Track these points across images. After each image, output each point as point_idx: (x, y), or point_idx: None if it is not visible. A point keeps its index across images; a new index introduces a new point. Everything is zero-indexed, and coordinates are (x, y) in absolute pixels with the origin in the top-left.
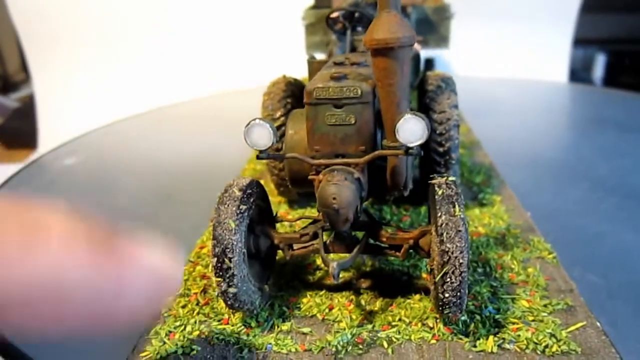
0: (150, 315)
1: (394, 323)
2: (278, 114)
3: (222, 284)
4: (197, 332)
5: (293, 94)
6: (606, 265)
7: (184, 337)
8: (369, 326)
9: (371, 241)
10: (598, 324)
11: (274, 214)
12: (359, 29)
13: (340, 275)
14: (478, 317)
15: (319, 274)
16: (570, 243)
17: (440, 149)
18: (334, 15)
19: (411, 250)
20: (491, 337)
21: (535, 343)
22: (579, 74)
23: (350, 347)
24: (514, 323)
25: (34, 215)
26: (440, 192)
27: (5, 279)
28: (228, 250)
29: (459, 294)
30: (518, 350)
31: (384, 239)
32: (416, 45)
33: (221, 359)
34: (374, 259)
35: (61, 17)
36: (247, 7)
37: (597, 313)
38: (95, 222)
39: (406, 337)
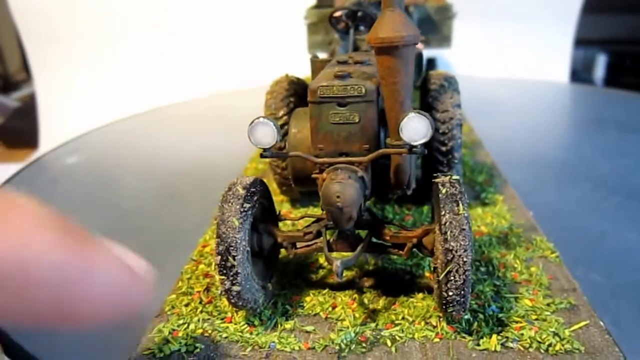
0: (117, 308)
1: (397, 322)
2: (281, 112)
3: (226, 282)
4: (200, 330)
5: (296, 93)
6: (609, 265)
7: (187, 335)
8: (372, 325)
9: (374, 240)
10: (601, 323)
11: (277, 213)
12: (362, 28)
13: (344, 274)
14: (481, 315)
15: (322, 272)
16: (572, 242)
17: (443, 148)
18: (337, 14)
19: (414, 249)
20: (494, 336)
21: (539, 342)
22: (580, 74)
23: (353, 346)
24: (517, 322)
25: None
26: (444, 191)
27: None
28: (232, 248)
29: (462, 292)
30: (521, 349)
31: (387, 238)
32: (419, 45)
33: (224, 357)
34: (377, 257)
35: (62, 16)
36: (248, 7)
37: (600, 312)
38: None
39: (409, 336)
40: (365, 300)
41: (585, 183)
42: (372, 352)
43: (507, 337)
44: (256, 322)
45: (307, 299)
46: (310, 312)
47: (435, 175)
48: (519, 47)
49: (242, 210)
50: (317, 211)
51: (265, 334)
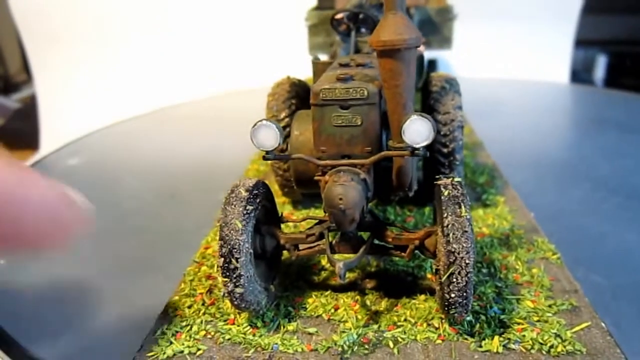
0: (55, 229)
1: (399, 323)
2: (283, 114)
3: (229, 284)
4: (203, 332)
5: (297, 95)
6: (610, 266)
7: (190, 337)
8: (375, 326)
9: (376, 242)
10: (603, 324)
11: (280, 215)
12: (363, 30)
13: (346, 276)
14: (483, 317)
15: (324, 274)
16: (574, 243)
17: (445, 150)
18: (339, 16)
19: (416, 251)
20: (496, 338)
21: (541, 343)
22: (580, 75)
23: (356, 347)
24: (519, 323)
25: None
26: (446, 193)
27: None
28: (235, 250)
29: (465, 294)
30: (523, 350)
31: (390, 240)
32: (420, 47)
33: (227, 359)
34: (379, 259)
35: (63, 18)
36: (249, 8)
37: (601, 313)
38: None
39: (412, 338)
40: (368, 302)
41: (586, 184)
42: (375, 353)
43: (509, 339)
44: (259, 324)
45: (310, 300)
46: (312, 313)
47: (437, 177)
48: (519, 48)
49: (245, 212)
50: (319, 213)
51: (268, 336)
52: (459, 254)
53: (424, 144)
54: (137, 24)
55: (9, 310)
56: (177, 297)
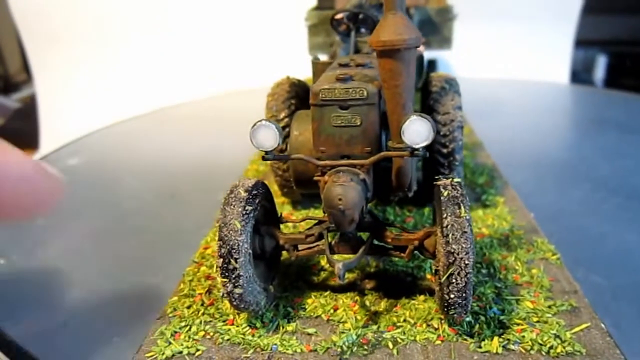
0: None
1: (398, 324)
2: (282, 115)
3: (228, 284)
4: (202, 333)
5: (297, 95)
6: (610, 266)
7: (189, 337)
8: (374, 327)
9: (376, 242)
10: (602, 325)
11: (279, 215)
12: (363, 30)
13: (345, 276)
14: (483, 318)
15: (323, 274)
16: (573, 244)
17: (444, 150)
18: (339, 16)
19: (416, 252)
20: (496, 338)
21: (540, 344)
22: (580, 75)
23: (355, 348)
24: (518, 324)
25: None
26: (445, 194)
27: None
28: (234, 250)
29: (464, 295)
30: (523, 351)
31: (389, 240)
32: (420, 47)
33: None
34: (379, 259)
35: (63, 17)
36: (249, 7)
37: (601, 314)
38: None
39: (411, 338)
40: (367, 303)
41: (586, 184)
42: (374, 354)
43: (508, 340)
44: (258, 325)
45: (309, 301)
46: (312, 314)
47: (436, 177)
48: (519, 48)
49: (244, 212)
50: (318, 213)
51: (267, 336)
52: (458, 254)
53: (424, 144)
54: (137, 24)
55: (9, 310)
56: (176, 298)
